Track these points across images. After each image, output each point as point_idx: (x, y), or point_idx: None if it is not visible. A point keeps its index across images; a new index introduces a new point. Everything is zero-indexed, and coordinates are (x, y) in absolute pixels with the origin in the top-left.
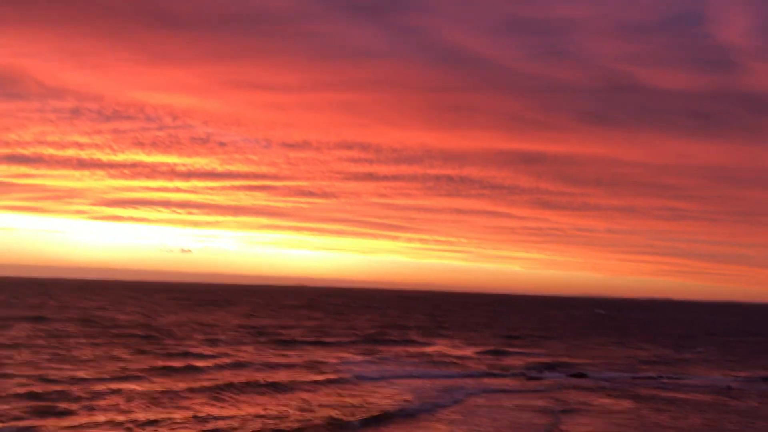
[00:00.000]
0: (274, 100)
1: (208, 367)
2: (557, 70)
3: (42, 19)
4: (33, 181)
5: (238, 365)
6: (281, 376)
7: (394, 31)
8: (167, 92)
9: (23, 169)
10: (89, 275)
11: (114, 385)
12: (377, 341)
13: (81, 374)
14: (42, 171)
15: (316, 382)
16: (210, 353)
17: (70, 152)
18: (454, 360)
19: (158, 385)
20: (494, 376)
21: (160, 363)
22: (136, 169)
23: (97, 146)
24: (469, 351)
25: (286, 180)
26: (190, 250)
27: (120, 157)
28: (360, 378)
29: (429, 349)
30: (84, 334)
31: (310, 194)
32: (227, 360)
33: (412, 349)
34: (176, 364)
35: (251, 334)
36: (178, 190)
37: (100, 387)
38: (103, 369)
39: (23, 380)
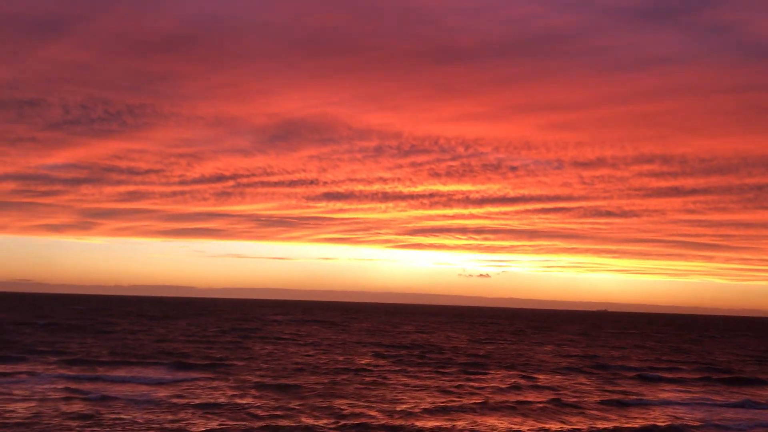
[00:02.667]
0: (564, 120)
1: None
2: None
3: (346, 69)
4: (346, 215)
5: None
6: None
7: (693, 33)
8: (458, 123)
9: (338, 204)
10: (395, 300)
11: None
12: None
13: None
14: (353, 205)
15: None
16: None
17: (376, 187)
18: None
19: None
20: None
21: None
22: (433, 199)
23: (398, 180)
24: None
25: (581, 201)
26: (488, 275)
27: (419, 188)
28: None
29: None
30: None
31: (608, 214)
32: None
33: None
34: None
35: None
36: (473, 216)
37: None
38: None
39: None
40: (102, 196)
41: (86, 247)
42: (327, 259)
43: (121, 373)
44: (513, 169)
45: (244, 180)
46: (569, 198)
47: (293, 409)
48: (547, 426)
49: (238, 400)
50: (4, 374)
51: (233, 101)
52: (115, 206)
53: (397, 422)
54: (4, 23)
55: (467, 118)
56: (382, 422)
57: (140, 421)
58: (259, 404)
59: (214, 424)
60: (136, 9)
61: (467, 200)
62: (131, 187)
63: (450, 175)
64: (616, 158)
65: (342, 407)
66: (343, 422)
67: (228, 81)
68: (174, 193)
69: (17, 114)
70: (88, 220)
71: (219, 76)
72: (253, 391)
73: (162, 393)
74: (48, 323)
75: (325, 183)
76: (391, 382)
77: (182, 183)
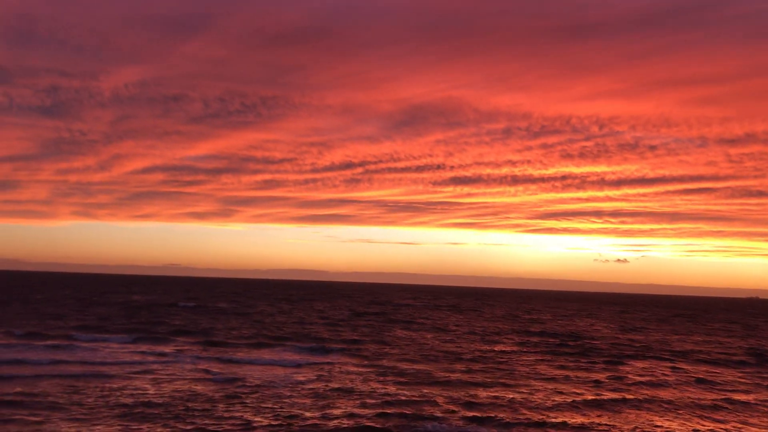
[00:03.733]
0: (707, 94)
1: None
2: None
3: (472, 52)
4: (474, 200)
5: None
6: None
7: None
8: (591, 101)
9: (466, 188)
10: (526, 285)
11: None
12: None
13: None
14: (482, 189)
15: None
16: None
17: (505, 170)
18: None
19: None
20: None
21: None
22: (566, 181)
23: (528, 162)
24: None
25: (728, 180)
26: (626, 260)
27: (550, 171)
28: None
29: None
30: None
31: (759, 194)
32: None
33: None
34: None
35: None
36: (608, 199)
37: None
38: None
39: None
40: (240, 184)
41: (227, 233)
42: (455, 244)
43: (262, 355)
44: (652, 148)
45: (372, 166)
46: (714, 178)
47: (428, 395)
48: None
49: (375, 384)
50: (153, 353)
51: (360, 89)
52: (252, 194)
53: (537, 416)
54: (151, 24)
55: (601, 96)
56: (523, 415)
57: (279, 403)
58: (394, 389)
59: (352, 408)
60: (269, 4)
61: (602, 182)
62: (267, 176)
63: (583, 156)
64: None
65: (479, 396)
66: (479, 413)
67: (355, 69)
68: (306, 181)
69: (163, 109)
70: (228, 208)
71: (346, 65)
72: (390, 377)
73: (301, 376)
74: (195, 306)
75: (452, 167)
76: (531, 371)
77: (314, 171)
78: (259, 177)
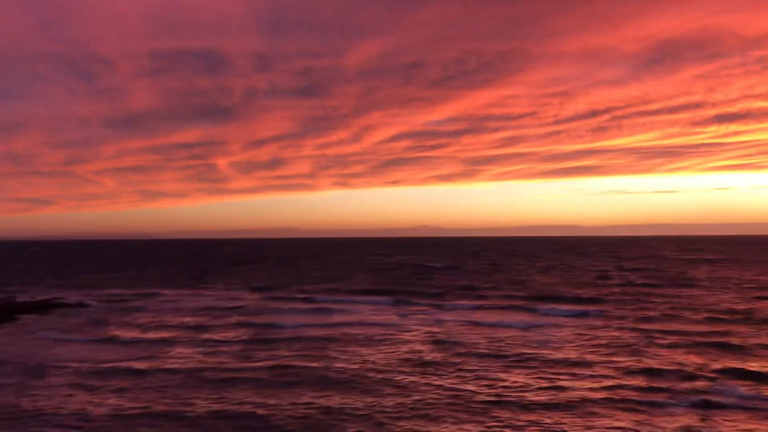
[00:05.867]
0: None
1: None
2: None
3: None
4: (743, 138)
5: None
6: None
7: None
8: None
9: (732, 126)
10: None
11: None
12: None
13: None
14: (752, 126)
15: None
16: None
17: None
18: None
19: None
20: None
21: None
22: None
23: None
24: None
25: None
26: None
27: None
28: None
29: None
30: None
31: None
32: None
33: None
34: None
35: None
36: None
37: None
38: None
39: None
40: (481, 144)
41: (472, 193)
42: (721, 189)
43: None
44: None
45: (620, 112)
46: None
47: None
48: None
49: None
50: (437, 306)
51: (602, 30)
52: (494, 153)
53: None
54: None
55: None
56: None
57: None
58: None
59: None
60: None
61: None
62: (508, 133)
63: None
64: None
65: None
66: None
67: (595, 10)
68: (549, 134)
69: (404, 77)
70: (471, 168)
71: (585, 6)
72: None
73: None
74: (447, 266)
75: (714, 104)
76: None
77: (556, 123)
78: (500, 134)
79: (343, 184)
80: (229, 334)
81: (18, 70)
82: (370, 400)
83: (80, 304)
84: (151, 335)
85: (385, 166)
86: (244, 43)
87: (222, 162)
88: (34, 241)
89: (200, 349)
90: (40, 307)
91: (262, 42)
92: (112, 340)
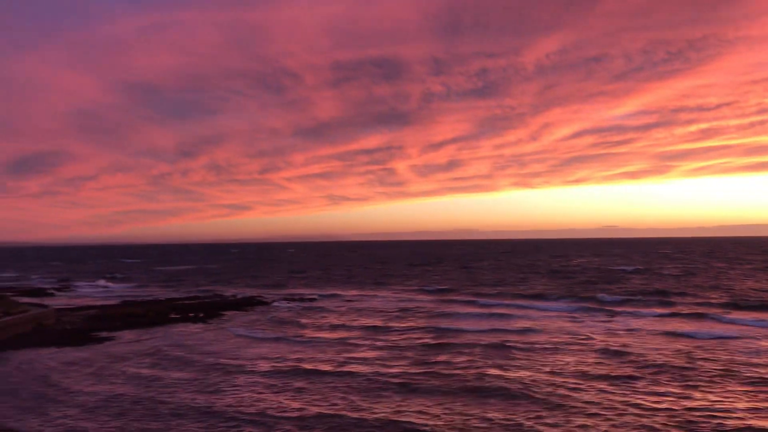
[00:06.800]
0: None
1: None
2: None
3: None
4: None
5: None
6: None
7: None
8: None
9: None
10: None
11: None
12: None
13: None
14: None
15: None
16: None
17: None
18: None
19: None
20: None
21: None
22: None
23: None
24: None
25: None
26: None
27: None
28: None
29: None
30: None
31: None
32: None
33: None
34: None
35: None
36: None
37: None
38: None
39: None
40: (673, 138)
41: (663, 190)
42: None
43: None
44: None
45: None
46: None
47: None
48: None
49: None
50: (624, 312)
51: None
52: (688, 147)
53: None
54: None
55: None
56: None
57: None
58: None
59: None
60: None
61: None
62: (703, 125)
63: None
64: None
65: None
66: None
67: None
68: (752, 124)
69: (585, 72)
70: (662, 164)
71: None
72: None
73: None
74: (637, 269)
75: None
76: None
77: (760, 111)
78: (694, 127)
79: (522, 184)
80: (409, 337)
81: (217, 88)
82: (561, 417)
83: (271, 303)
84: (333, 335)
85: (566, 165)
86: (420, 49)
87: (401, 166)
88: (233, 243)
89: (381, 353)
90: (241, 304)
91: (437, 46)
92: (297, 340)
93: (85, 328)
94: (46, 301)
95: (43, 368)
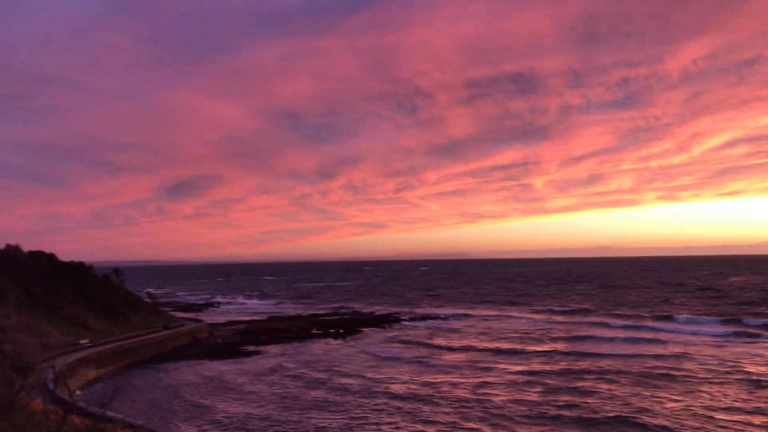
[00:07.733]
0: None
1: None
2: None
3: None
4: None
5: None
6: None
7: None
8: None
9: None
10: None
11: None
12: None
13: None
14: None
15: None
16: None
17: None
18: None
19: None
20: None
21: None
22: None
23: None
24: None
25: None
26: None
27: None
28: None
29: None
30: None
31: None
32: None
33: None
34: None
35: None
36: None
37: None
38: None
39: None
40: None
41: None
42: None
43: None
44: None
45: None
46: None
47: None
48: None
49: None
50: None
51: None
52: None
53: None
54: None
55: None
56: None
57: None
58: None
59: None
60: None
61: None
62: None
63: None
64: None
65: None
66: None
67: None
68: None
69: (737, 77)
70: None
71: None
72: None
73: None
74: None
75: None
76: None
77: None
78: None
79: (669, 198)
80: (546, 362)
81: (354, 111)
82: None
83: (404, 321)
84: (466, 357)
85: (718, 176)
86: (556, 62)
87: (538, 181)
88: (366, 261)
89: (516, 377)
90: (377, 322)
91: (574, 58)
92: (430, 363)
93: (236, 341)
94: (198, 316)
95: (194, 381)
